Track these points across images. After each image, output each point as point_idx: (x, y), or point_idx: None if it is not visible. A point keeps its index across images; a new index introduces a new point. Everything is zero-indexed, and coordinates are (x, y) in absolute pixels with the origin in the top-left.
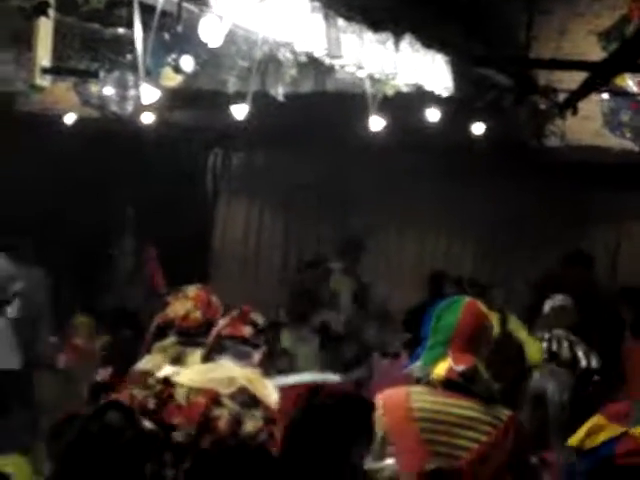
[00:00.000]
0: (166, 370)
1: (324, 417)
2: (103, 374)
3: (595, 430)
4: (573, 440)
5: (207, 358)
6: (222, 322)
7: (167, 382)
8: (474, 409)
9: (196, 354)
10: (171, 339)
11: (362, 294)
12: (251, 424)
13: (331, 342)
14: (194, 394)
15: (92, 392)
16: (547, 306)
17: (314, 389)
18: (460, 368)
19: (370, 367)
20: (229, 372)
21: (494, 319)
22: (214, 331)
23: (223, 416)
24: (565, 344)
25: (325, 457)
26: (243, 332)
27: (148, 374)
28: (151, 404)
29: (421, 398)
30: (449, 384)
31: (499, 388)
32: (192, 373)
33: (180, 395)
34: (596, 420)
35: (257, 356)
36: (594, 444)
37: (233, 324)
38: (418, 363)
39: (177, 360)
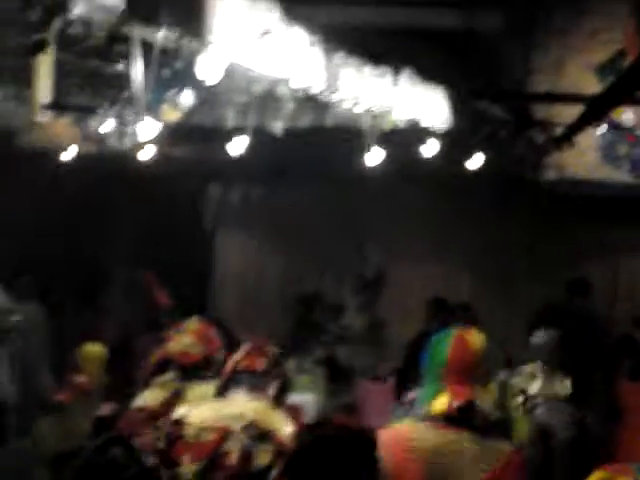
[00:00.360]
0: (179, 411)
1: (327, 452)
2: (105, 409)
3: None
4: None
5: (221, 391)
6: (238, 354)
7: (178, 423)
8: (475, 444)
9: (196, 389)
10: (170, 374)
11: (376, 331)
12: (262, 458)
13: (339, 376)
14: (205, 433)
15: (95, 427)
16: (531, 341)
17: (317, 422)
18: (458, 403)
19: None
20: (240, 407)
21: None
22: (229, 364)
23: (233, 451)
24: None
25: None
26: (258, 365)
27: (146, 410)
28: (161, 444)
29: (423, 436)
30: (449, 419)
31: (498, 418)
32: (203, 412)
33: (190, 434)
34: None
35: (272, 388)
36: None
37: (248, 357)
38: (415, 398)
39: (177, 394)
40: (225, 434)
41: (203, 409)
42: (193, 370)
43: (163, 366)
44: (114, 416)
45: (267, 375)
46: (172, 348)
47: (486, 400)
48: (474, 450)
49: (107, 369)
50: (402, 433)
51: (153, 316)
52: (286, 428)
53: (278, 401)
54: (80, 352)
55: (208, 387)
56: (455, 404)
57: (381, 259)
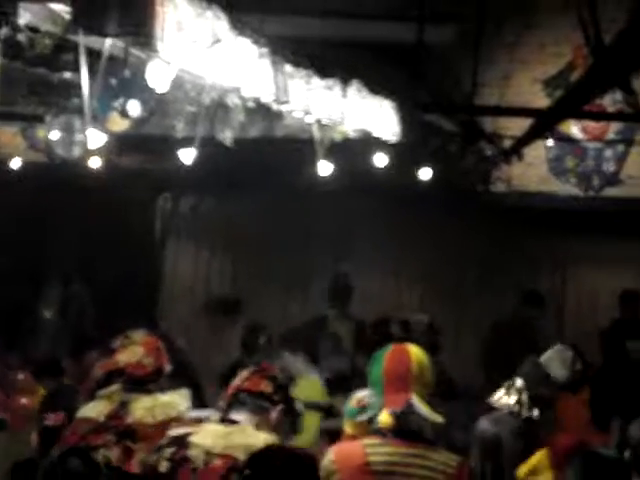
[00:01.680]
0: (177, 430)
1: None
2: (54, 419)
3: (537, 471)
4: (521, 470)
5: (225, 414)
6: (241, 376)
7: (181, 443)
8: (425, 457)
9: (141, 400)
10: (116, 386)
11: (359, 334)
12: None
13: (342, 386)
14: (212, 458)
15: (41, 437)
16: None
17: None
18: (393, 410)
19: None
20: (248, 438)
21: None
22: (232, 385)
23: None
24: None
25: None
26: (261, 387)
27: (92, 422)
28: (163, 467)
29: (375, 450)
30: (397, 432)
31: (438, 426)
32: (210, 435)
33: (196, 457)
34: (540, 458)
35: (275, 413)
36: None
37: (252, 379)
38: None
39: (123, 406)
40: (232, 463)
41: (208, 433)
42: (141, 382)
43: (108, 378)
44: (60, 426)
45: (271, 399)
46: (123, 359)
47: (427, 408)
48: (424, 463)
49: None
50: (356, 449)
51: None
52: None
53: (279, 426)
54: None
55: (155, 399)
56: (392, 412)
57: (347, 269)
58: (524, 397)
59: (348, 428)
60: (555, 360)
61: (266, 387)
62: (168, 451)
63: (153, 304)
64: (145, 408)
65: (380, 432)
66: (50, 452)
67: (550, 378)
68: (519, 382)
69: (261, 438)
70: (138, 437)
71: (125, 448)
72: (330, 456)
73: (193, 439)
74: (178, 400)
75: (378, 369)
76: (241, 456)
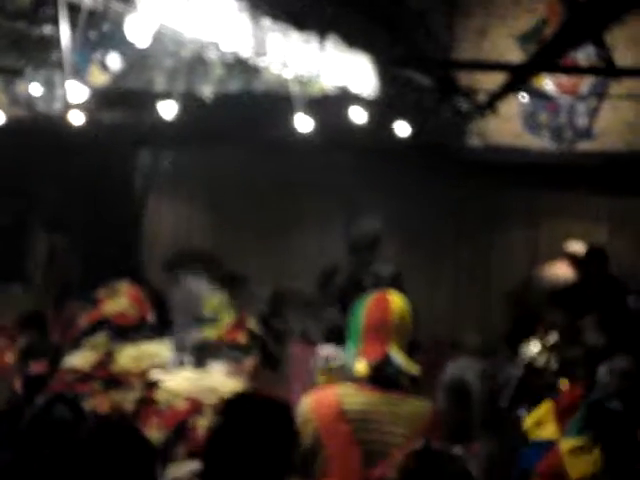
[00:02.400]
0: (155, 375)
1: (244, 425)
2: (37, 368)
3: (542, 422)
4: (528, 421)
5: (200, 362)
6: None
7: (152, 386)
8: (399, 405)
9: (126, 349)
10: (102, 336)
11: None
12: None
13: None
14: (176, 400)
15: (26, 386)
16: None
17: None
18: (370, 361)
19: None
20: (215, 382)
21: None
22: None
23: (201, 426)
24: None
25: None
26: (238, 338)
27: (78, 371)
28: (129, 406)
29: (351, 399)
30: (372, 380)
31: (414, 375)
32: (179, 380)
33: (161, 399)
34: (545, 410)
35: (248, 362)
36: (536, 437)
37: (230, 330)
38: (341, 360)
39: (108, 355)
40: (196, 406)
41: (179, 377)
42: (126, 331)
43: (93, 328)
44: (45, 375)
45: (245, 349)
46: (108, 309)
47: (404, 358)
48: (398, 411)
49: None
50: (331, 396)
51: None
52: None
53: (256, 375)
54: None
55: (140, 349)
56: (370, 363)
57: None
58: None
59: (321, 378)
60: None
61: (241, 338)
62: (136, 393)
63: (134, 258)
64: (130, 357)
65: (355, 380)
66: (35, 400)
67: None
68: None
69: (229, 384)
70: (124, 386)
71: (111, 397)
72: (305, 405)
73: (163, 383)
74: (162, 349)
75: (359, 317)
76: (206, 399)
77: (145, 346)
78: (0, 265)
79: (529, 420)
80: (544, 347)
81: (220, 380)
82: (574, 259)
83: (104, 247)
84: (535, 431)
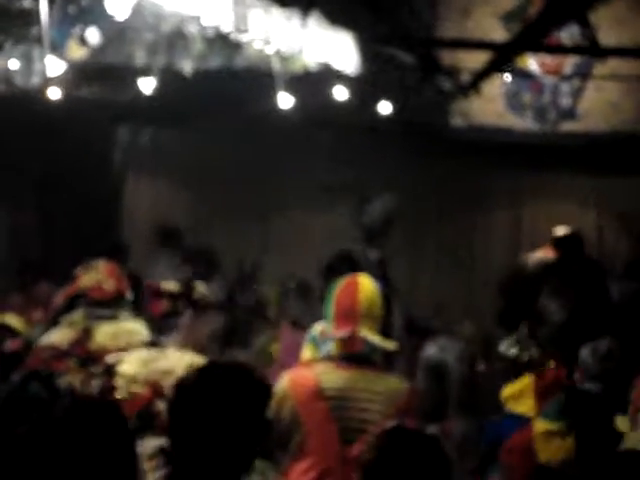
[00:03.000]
0: (111, 358)
1: (212, 391)
2: (12, 345)
3: (521, 395)
4: (505, 392)
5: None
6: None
7: (110, 373)
8: (375, 382)
9: (104, 327)
10: (79, 312)
11: None
12: None
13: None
14: (135, 386)
15: (2, 363)
16: None
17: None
18: (339, 335)
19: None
20: (170, 361)
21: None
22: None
23: (162, 411)
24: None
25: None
26: (161, 308)
27: (55, 348)
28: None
29: (328, 377)
30: (346, 358)
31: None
32: (135, 363)
33: (121, 387)
34: (525, 384)
35: (184, 321)
36: (512, 409)
37: (154, 304)
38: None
39: (86, 332)
40: (157, 390)
41: (134, 359)
42: (103, 306)
43: (72, 303)
44: (21, 353)
45: (174, 313)
46: (84, 283)
47: (376, 337)
48: (374, 388)
49: None
50: (308, 374)
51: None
52: None
53: (190, 327)
54: None
55: (118, 326)
56: (338, 336)
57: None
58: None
59: (307, 352)
60: None
61: (164, 306)
62: (98, 382)
63: (112, 235)
64: (108, 334)
65: (330, 358)
66: (9, 377)
67: None
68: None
69: (181, 359)
70: (101, 363)
71: (88, 374)
72: (283, 383)
73: (119, 368)
74: (140, 327)
75: (330, 299)
76: (164, 380)
77: (123, 323)
78: None
79: (507, 390)
80: (521, 341)
81: (176, 358)
82: (554, 243)
83: (83, 224)
84: (512, 403)
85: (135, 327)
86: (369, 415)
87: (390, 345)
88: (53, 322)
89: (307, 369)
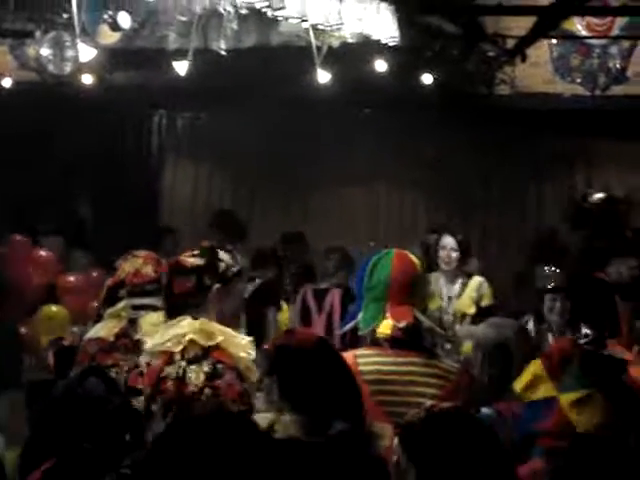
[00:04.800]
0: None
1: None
2: (66, 340)
3: (534, 383)
4: (517, 386)
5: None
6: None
7: (137, 351)
8: (424, 366)
9: (149, 316)
10: (123, 303)
11: None
12: (193, 383)
13: None
14: (154, 359)
15: (57, 358)
16: None
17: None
18: (402, 324)
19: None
20: (180, 328)
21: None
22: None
23: (170, 375)
24: None
25: None
26: (186, 286)
27: (104, 341)
28: (122, 378)
29: (369, 360)
30: (396, 342)
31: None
32: (154, 337)
33: (141, 362)
34: (534, 370)
35: (211, 297)
36: (532, 398)
37: (176, 282)
38: (355, 322)
39: (131, 323)
40: (169, 357)
41: (155, 335)
42: (146, 294)
43: (115, 295)
44: (75, 347)
45: (198, 293)
46: (123, 271)
47: (426, 320)
48: (423, 372)
49: None
50: (348, 360)
51: None
52: (223, 337)
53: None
54: None
55: (162, 315)
56: (400, 325)
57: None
58: None
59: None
60: None
61: (190, 285)
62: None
63: (152, 223)
64: (154, 324)
65: (377, 343)
66: (66, 373)
67: None
68: None
69: (191, 324)
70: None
71: (134, 365)
72: None
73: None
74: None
75: (382, 275)
76: (174, 348)
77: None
78: None
79: (518, 385)
80: None
81: (187, 324)
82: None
83: (120, 214)
84: (529, 393)
85: None
86: (414, 399)
87: (441, 330)
88: (98, 315)
89: (348, 355)
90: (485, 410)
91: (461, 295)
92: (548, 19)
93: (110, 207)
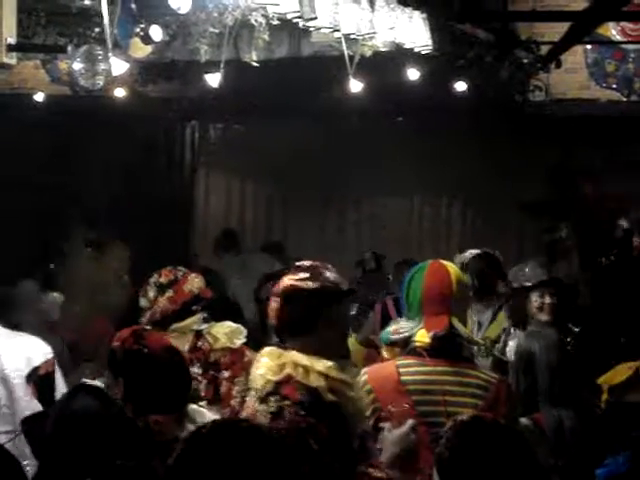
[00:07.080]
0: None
1: None
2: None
3: (630, 384)
4: (605, 381)
5: None
6: None
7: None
8: (464, 374)
9: (215, 328)
10: (196, 317)
11: None
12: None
13: None
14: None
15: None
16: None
17: None
18: (434, 333)
19: None
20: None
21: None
22: None
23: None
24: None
25: None
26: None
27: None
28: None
29: (410, 370)
30: (434, 351)
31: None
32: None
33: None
34: (627, 371)
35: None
36: (625, 400)
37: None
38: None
39: (199, 336)
40: None
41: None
42: (205, 309)
43: (186, 310)
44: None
45: None
46: (193, 286)
47: (464, 329)
48: (464, 380)
49: None
50: (389, 370)
51: None
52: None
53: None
54: None
55: (225, 326)
56: (433, 334)
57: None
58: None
59: (385, 353)
60: None
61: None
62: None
63: (186, 234)
64: (224, 335)
65: (415, 352)
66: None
67: None
68: None
69: None
70: (222, 365)
71: (212, 378)
72: (363, 377)
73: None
74: (235, 325)
75: (416, 287)
76: None
77: (228, 324)
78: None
79: (607, 379)
80: None
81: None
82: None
83: (153, 228)
84: (621, 394)
85: (238, 326)
86: (456, 409)
87: (478, 340)
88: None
89: (387, 363)
90: (523, 420)
91: (493, 322)
92: (582, 25)
93: (141, 221)
